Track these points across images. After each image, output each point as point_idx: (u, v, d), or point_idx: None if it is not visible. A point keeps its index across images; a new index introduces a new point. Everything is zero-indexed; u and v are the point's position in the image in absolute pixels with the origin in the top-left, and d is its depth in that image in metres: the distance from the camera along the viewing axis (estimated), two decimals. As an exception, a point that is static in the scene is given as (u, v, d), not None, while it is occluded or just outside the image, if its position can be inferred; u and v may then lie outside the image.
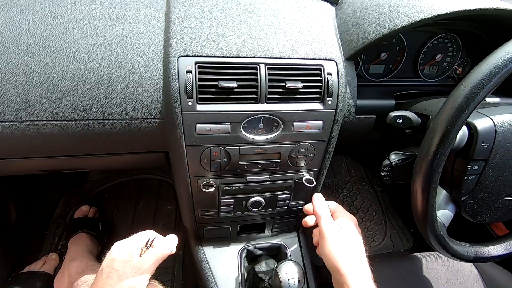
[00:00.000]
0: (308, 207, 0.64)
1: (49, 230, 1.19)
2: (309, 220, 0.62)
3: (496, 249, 0.60)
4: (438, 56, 0.79)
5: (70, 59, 0.52)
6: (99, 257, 1.08)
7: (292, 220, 0.82)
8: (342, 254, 0.52)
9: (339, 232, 0.55)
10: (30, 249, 1.13)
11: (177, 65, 0.54)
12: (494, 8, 0.58)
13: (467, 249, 0.57)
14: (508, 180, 0.53)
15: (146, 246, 0.54)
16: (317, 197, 0.61)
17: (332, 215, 0.59)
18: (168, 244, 0.55)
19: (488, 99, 0.72)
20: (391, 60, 0.78)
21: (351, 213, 0.62)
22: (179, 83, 0.54)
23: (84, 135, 0.55)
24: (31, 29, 0.51)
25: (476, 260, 0.58)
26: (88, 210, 1.17)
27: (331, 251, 0.52)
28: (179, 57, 0.54)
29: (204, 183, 0.64)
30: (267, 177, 0.68)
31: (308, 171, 0.69)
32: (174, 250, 0.55)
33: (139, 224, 1.25)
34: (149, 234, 0.56)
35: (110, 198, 1.32)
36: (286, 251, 0.81)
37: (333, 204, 0.62)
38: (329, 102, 0.60)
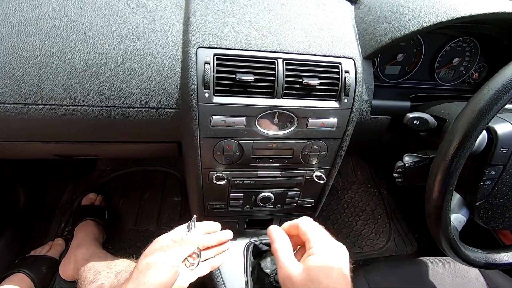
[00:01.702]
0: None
1: (55, 216, 1.20)
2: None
3: (507, 257, 0.59)
4: (455, 60, 0.78)
5: (89, 44, 0.52)
6: (104, 245, 1.09)
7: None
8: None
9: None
10: (36, 234, 1.15)
11: (196, 56, 0.54)
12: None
13: (478, 255, 0.57)
14: (524, 187, 0.52)
15: (188, 228, 0.53)
16: (274, 229, 0.47)
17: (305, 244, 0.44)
18: (213, 224, 0.54)
19: (508, 106, 0.71)
20: (407, 62, 0.77)
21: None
22: (197, 74, 0.54)
23: (100, 122, 0.56)
24: (52, 13, 0.52)
25: (487, 266, 0.58)
26: (95, 198, 1.18)
27: None
28: (198, 48, 0.54)
29: (215, 175, 0.64)
30: (278, 173, 0.67)
31: (319, 169, 0.69)
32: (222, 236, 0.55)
33: (145, 215, 1.26)
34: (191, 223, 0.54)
35: (117, 188, 1.33)
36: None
37: (310, 228, 0.45)
38: (345, 101, 0.60)
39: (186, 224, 0.54)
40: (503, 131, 0.48)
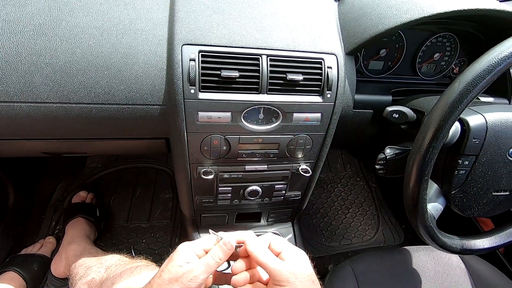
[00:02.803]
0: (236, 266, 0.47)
1: (46, 215, 1.20)
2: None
3: (482, 243, 0.62)
4: (436, 55, 0.81)
5: (75, 42, 0.53)
6: (95, 242, 1.10)
7: (287, 210, 0.84)
8: None
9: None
10: (27, 233, 1.15)
11: (181, 53, 0.55)
12: (492, 9, 0.59)
13: (454, 241, 0.60)
14: (496, 176, 0.55)
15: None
16: (249, 239, 0.46)
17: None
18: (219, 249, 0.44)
19: (482, 99, 0.74)
20: (390, 57, 0.80)
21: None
22: (182, 70, 0.55)
23: (87, 119, 0.56)
24: (37, 12, 0.52)
25: (463, 252, 0.60)
26: (86, 196, 1.18)
27: None
28: (183, 45, 0.55)
29: (203, 170, 0.65)
30: (265, 166, 0.69)
31: (305, 162, 0.71)
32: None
33: (136, 212, 1.27)
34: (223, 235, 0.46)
35: (108, 185, 1.33)
36: (281, 240, 0.83)
37: (274, 241, 0.47)
38: (328, 96, 0.62)
39: (211, 235, 0.47)
40: (475, 123, 0.51)
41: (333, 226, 1.41)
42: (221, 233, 0.47)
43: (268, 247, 0.46)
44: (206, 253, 0.45)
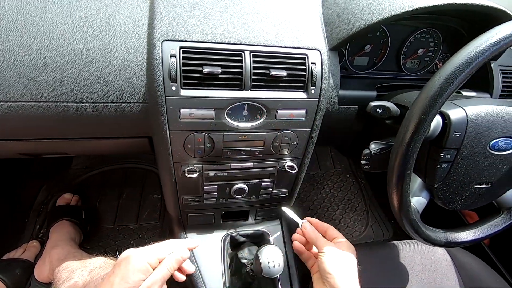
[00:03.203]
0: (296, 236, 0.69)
1: (30, 218, 1.17)
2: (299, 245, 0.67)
3: (466, 235, 0.63)
4: (420, 51, 0.81)
5: (49, 39, 0.51)
6: (82, 245, 1.07)
7: (275, 208, 0.84)
8: (337, 268, 0.55)
9: (334, 248, 0.59)
10: (10, 237, 1.11)
11: (161, 49, 0.54)
12: (472, 4, 0.60)
13: (438, 234, 0.60)
14: (478, 169, 0.55)
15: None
16: (307, 224, 0.66)
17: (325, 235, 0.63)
18: (174, 260, 0.50)
19: (465, 93, 0.75)
20: (375, 53, 0.80)
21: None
22: (162, 67, 0.53)
23: (65, 118, 0.55)
24: (9, 7, 0.50)
25: (447, 244, 0.61)
26: (71, 198, 1.15)
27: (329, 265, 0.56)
28: (163, 41, 0.54)
29: (187, 169, 0.64)
30: (250, 164, 0.68)
31: (291, 159, 0.70)
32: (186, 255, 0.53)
33: (124, 213, 1.25)
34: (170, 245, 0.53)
35: (94, 187, 1.30)
36: (269, 238, 0.83)
37: (324, 225, 0.66)
38: (313, 91, 0.61)
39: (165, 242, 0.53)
40: (456, 117, 0.51)
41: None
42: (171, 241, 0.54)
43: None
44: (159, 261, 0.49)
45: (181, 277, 0.52)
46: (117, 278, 0.45)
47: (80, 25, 0.52)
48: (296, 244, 0.66)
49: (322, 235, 0.64)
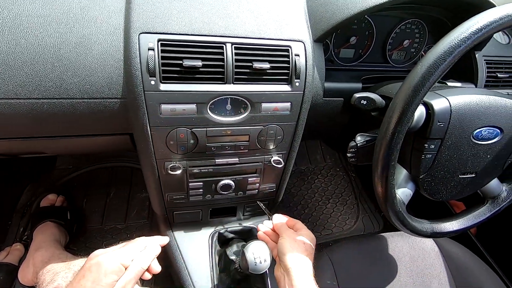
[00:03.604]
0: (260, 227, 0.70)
1: (13, 220, 1.14)
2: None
3: (451, 225, 0.63)
4: (406, 42, 0.81)
5: (19, 32, 0.48)
6: (68, 247, 1.05)
7: (263, 203, 0.83)
8: (291, 249, 0.57)
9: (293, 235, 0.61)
10: (-8, 241, 1.08)
11: (138, 42, 0.52)
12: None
13: (424, 225, 0.60)
14: (462, 159, 0.55)
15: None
16: (276, 216, 0.68)
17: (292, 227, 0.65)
18: (146, 256, 0.50)
19: (450, 84, 0.75)
20: (360, 45, 0.79)
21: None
22: (140, 61, 0.52)
23: (39, 115, 0.52)
24: (-27, -1, 0.47)
25: (433, 235, 0.61)
26: (55, 199, 1.12)
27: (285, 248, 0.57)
28: (141, 33, 0.52)
29: (171, 166, 0.62)
30: (236, 159, 0.67)
31: (277, 153, 0.69)
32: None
33: (111, 213, 1.22)
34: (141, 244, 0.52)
35: (80, 187, 1.27)
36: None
37: (293, 220, 0.67)
38: (297, 84, 0.60)
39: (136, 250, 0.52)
40: (440, 107, 0.51)
41: (314, 217, 1.41)
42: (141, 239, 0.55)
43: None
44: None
45: (147, 276, 0.51)
46: (88, 282, 0.44)
47: (51, 18, 0.50)
48: (261, 233, 0.68)
49: (290, 227, 0.66)
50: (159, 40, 0.52)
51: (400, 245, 0.87)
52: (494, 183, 0.63)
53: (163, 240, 0.56)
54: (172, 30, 0.53)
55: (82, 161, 1.33)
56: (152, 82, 0.53)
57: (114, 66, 0.53)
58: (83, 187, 1.27)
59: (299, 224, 0.66)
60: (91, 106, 0.54)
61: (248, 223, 0.84)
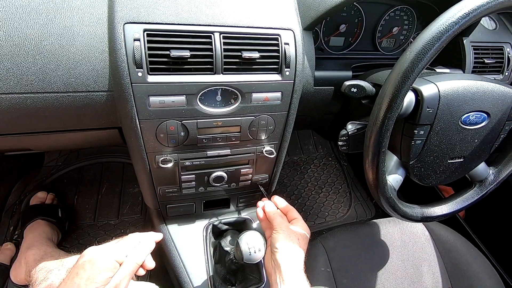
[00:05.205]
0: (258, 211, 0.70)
1: (2, 220, 1.12)
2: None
3: (441, 209, 0.65)
4: (395, 29, 0.81)
5: (-4, 24, 0.46)
6: (60, 244, 1.04)
7: (257, 194, 0.83)
8: (284, 245, 0.57)
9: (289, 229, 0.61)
10: (-18, 241, 1.06)
11: (123, 32, 0.50)
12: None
13: (415, 210, 0.61)
14: (450, 144, 0.56)
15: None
16: (267, 203, 0.68)
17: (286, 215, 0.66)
18: (141, 252, 0.50)
19: (438, 70, 0.75)
20: (350, 33, 0.79)
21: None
22: (126, 52, 0.50)
23: (22, 111, 0.51)
24: None
25: (424, 219, 0.63)
26: (45, 197, 1.10)
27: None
28: (125, 23, 0.50)
29: (162, 159, 0.62)
30: (228, 151, 0.67)
31: (269, 144, 0.69)
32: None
33: (104, 209, 1.21)
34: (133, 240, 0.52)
35: (70, 184, 1.25)
36: (252, 224, 0.82)
37: (288, 206, 0.68)
38: (287, 73, 0.60)
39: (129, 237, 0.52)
40: (429, 93, 0.51)
41: (308, 206, 1.43)
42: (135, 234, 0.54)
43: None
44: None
45: (141, 272, 0.51)
46: (82, 280, 0.44)
47: (31, 8, 0.48)
48: (259, 211, 0.68)
49: (284, 214, 0.66)
50: (145, 30, 0.51)
51: (392, 230, 0.89)
52: (482, 167, 0.65)
53: (157, 236, 0.56)
54: (158, 20, 0.52)
55: (71, 158, 1.30)
56: (139, 74, 0.51)
57: (99, 58, 0.51)
58: (74, 184, 1.25)
59: (292, 211, 0.66)
60: (76, 99, 0.52)
61: (242, 214, 0.85)
